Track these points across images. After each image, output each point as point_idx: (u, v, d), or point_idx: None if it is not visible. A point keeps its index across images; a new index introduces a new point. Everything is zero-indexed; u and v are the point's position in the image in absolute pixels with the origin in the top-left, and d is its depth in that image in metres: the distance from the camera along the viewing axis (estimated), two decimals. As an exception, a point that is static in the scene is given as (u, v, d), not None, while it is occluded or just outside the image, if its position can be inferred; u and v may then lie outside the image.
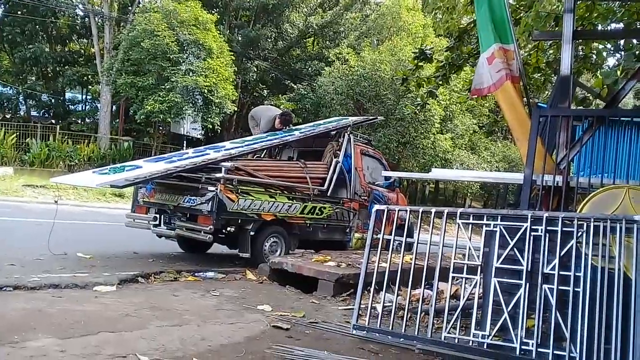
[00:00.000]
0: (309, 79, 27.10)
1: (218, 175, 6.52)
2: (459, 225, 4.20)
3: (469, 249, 4.08)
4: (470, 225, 4.07)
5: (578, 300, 3.48)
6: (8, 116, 25.88)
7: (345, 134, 8.55)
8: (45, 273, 5.18)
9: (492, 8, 5.03)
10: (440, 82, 10.83)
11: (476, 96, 5.34)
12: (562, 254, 3.63)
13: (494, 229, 3.94)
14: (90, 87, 28.02)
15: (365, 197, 8.64)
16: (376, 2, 30.66)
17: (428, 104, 14.28)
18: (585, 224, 3.63)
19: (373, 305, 4.27)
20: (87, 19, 25.91)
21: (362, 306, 4.42)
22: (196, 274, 6.01)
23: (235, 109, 23.57)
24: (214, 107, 20.72)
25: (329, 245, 8.04)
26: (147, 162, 7.17)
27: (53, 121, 25.93)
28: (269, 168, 7.46)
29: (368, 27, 27.42)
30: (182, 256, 7.64)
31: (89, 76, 26.68)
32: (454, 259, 4.07)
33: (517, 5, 9.02)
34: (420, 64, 10.62)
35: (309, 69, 27.72)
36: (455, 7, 9.94)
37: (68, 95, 29.53)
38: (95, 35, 24.34)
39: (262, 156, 8.92)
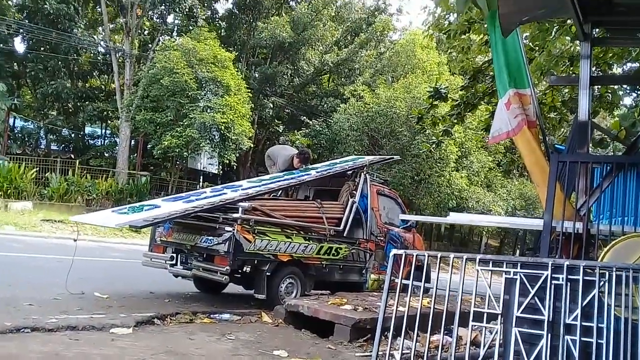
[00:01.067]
0: (324, 115, 27.40)
1: (235, 215, 6.55)
2: (478, 271, 4.17)
3: (489, 296, 4.04)
4: (490, 271, 4.05)
5: (601, 352, 3.40)
6: (29, 151, 26.41)
7: (362, 173, 8.58)
8: (62, 314, 5.20)
9: (507, 51, 5.09)
10: (455, 121, 10.89)
11: (495, 143, 5.38)
12: (584, 303, 3.57)
13: (514, 277, 3.91)
14: (109, 122, 28.58)
15: (382, 238, 8.61)
16: (391, 40, 31.18)
17: (443, 142, 14.30)
18: (607, 273, 3.58)
19: (391, 352, 4.22)
20: (108, 56, 26.61)
21: (380, 353, 4.36)
22: (212, 316, 5.99)
23: (252, 145, 23.85)
24: (231, 143, 20.99)
25: (345, 286, 7.98)
26: (165, 201, 7.23)
27: (72, 156, 26.41)
28: (286, 208, 7.49)
29: (383, 65, 27.83)
30: (197, 296, 7.63)
31: (109, 112, 27.23)
32: (474, 304, 4.03)
33: (532, 46, 9.12)
34: (435, 102, 10.71)
35: (325, 105, 28.06)
36: (470, 47, 10.07)
37: (88, 130, 30.11)
38: (115, 72, 24.94)
39: (278, 195, 8.97)
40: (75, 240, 7.17)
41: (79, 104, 27.67)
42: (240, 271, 6.81)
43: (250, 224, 6.64)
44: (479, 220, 6.85)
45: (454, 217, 5.93)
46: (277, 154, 9.24)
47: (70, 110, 28.09)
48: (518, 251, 30.54)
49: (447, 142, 19.10)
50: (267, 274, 6.78)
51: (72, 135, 28.12)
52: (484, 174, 25.23)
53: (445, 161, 21.62)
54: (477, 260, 4.11)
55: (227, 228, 6.52)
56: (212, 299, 7.41)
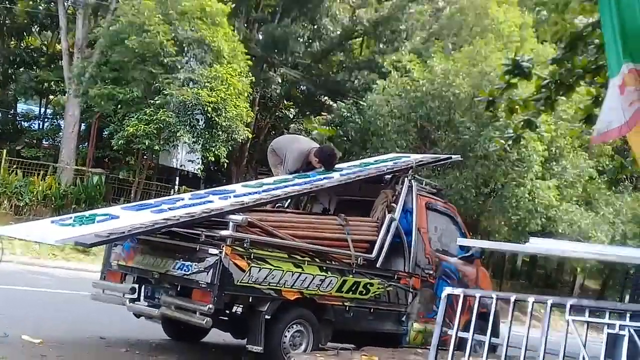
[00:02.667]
0: (354, 95, 27.42)
1: (224, 232, 6.56)
2: (568, 322, 4.14)
3: (583, 358, 4.00)
4: (586, 324, 4.01)
5: None
6: None
7: (406, 179, 8.56)
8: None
9: (621, 11, 5.03)
10: (543, 108, 10.82)
11: (602, 142, 5.33)
12: None
13: (621, 332, 3.87)
14: (51, 98, 28.88)
15: (431, 272, 8.56)
16: (453, -8, 31.09)
17: (524, 137, 14.21)
18: None
19: None
20: (53, 4, 26.87)
21: None
22: (186, 374, 6.03)
23: (250, 135, 23.93)
24: (220, 132, 21.05)
25: (377, 338, 7.94)
26: (126, 210, 7.28)
27: (-3, 143, 26.68)
28: (295, 225, 7.48)
29: (440, 26, 27.80)
30: (167, 345, 7.66)
31: (51, 83, 27.45)
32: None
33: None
34: (514, 80, 10.65)
35: (355, 81, 28.09)
36: (567, 4, 10.00)
37: (21, 108, 30.42)
38: (63, 27, 25.16)
39: (285, 207, 8.97)
40: (-2, 261, 7.27)
41: (9, 70, 28.03)
42: (228, 312, 6.81)
43: (245, 245, 6.63)
44: (573, 251, 6.74)
45: (537, 245, 5.87)
46: (285, 147, 9.23)
47: (-3, 79, 28.43)
48: (628, 297, 30.15)
49: (529, 137, 18.95)
50: (266, 317, 6.76)
51: (-1, 114, 28.51)
52: (582, 186, 24.98)
53: (527, 165, 21.43)
54: (568, 307, 4.08)
55: (212, 250, 6.52)
56: (188, 350, 7.44)
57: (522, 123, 10.74)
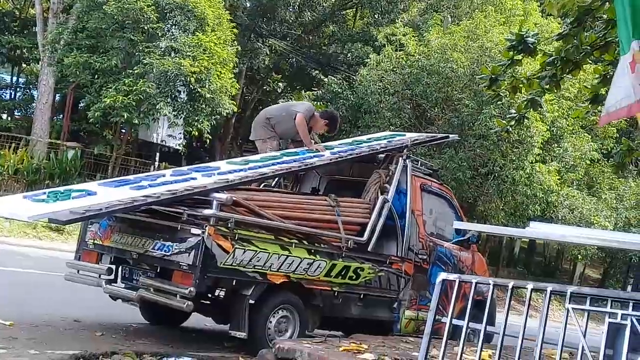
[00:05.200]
0: (346, 69, 27.35)
1: (207, 211, 6.57)
2: (568, 310, 4.16)
3: (582, 350, 4.03)
4: (587, 313, 4.04)
5: None
6: None
7: (400, 159, 8.57)
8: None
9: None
10: (548, 87, 10.83)
11: (610, 122, 5.33)
12: None
13: (623, 322, 3.90)
14: (24, 66, 28.64)
15: (425, 257, 8.61)
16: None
17: (527, 117, 14.23)
18: None
19: None
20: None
21: None
22: (164, 359, 6.04)
23: (236, 108, 23.85)
24: (204, 105, 20.99)
25: (367, 325, 7.97)
26: (103, 186, 7.26)
27: (-35, 114, 26.56)
28: (283, 204, 7.50)
29: (438, -4, 27.63)
30: (145, 329, 7.67)
31: (24, 50, 27.22)
32: (559, 362, 4.02)
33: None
34: (518, 57, 10.64)
35: (348, 54, 28.00)
36: (576, -26, 9.98)
37: (-9, 76, 30.28)
38: (37, -10, 24.96)
39: (273, 186, 8.97)
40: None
41: (-22, 36, 27.80)
42: (210, 295, 6.83)
43: (229, 225, 6.65)
44: (574, 236, 6.78)
45: (536, 230, 5.90)
46: (278, 117, 9.05)
47: (-36, 46, 28.20)
48: (630, 286, 30.43)
49: (532, 117, 18.97)
50: (251, 301, 6.79)
51: (-33, 83, 28.32)
52: (584, 169, 25.05)
53: (527, 147, 21.46)
54: (568, 295, 4.11)
55: (194, 230, 6.54)
56: (167, 335, 7.45)
57: (525, 102, 10.75)
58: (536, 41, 10.56)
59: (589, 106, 10.78)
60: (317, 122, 9.09)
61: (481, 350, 4.52)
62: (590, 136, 24.98)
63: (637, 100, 4.80)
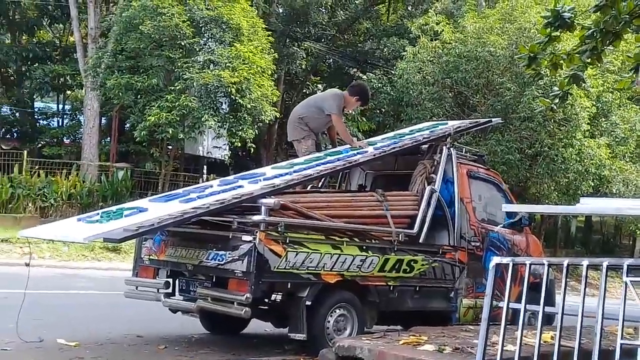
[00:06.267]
0: (384, 64, 27.25)
1: (256, 217, 6.62)
2: (626, 284, 4.10)
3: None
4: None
5: None
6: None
7: (444, 147, 8.52)
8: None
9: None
10: (589, 60, 10.65)
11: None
12: None
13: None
14: (69, 92, 29.07)
15: (478, 243, 8.55)
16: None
17: (571, 94, 14.01)
18: None
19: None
20: (62, -4, 27.04)
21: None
22: (229, 367, 6.10)
23: (277, 114, 23.92)
24: (246, 115, 21.09)
25: (425, 317, 7.98)
26: (154, 202, 7.36)
27: (17, 144, 27.01)
28: (331, 204, 7.53)
29: (472, -19, 27.36)
30: (207, 339, 7.75)
31: (67, 77, 27.64)
32: (621, 337, 3.96)
33: None
34: (556, 33, 10.48)
35: (384, 49, 27.88)
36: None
37: (38, 105, 30.74)
38: (74, 17, 25.26)
39: (319, 186, 8.98)
40: (27, 265, 7.39)
41: (23, 68, 28.29)
42: (267, 300, 6.87)
43: (279, 229, 6.69)
44: (629, 207, 6.63)
45: (588, 206, 5.82)
46: (310, 113, 8.92)
47: (11, 77, 28.68)
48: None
49: (576, 93, 18.67)
50: (307, 303, 6.82)
51: (16, 113, 28.78)
52: (635, 142, 24.55)
53: (574, 124, 21.11)
54: (625, 268, 4.04)
55: (245, 237, 6.58)
56: (228, 343, 7.51)
57: (567, 79, 10.59)
58: (573, 15, 10.38)
59: (634, 75, 10.59)
60: (349, 102, 9.08)
61: (541, 332, 4.48)
62: (638, 107, 24.49)
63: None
